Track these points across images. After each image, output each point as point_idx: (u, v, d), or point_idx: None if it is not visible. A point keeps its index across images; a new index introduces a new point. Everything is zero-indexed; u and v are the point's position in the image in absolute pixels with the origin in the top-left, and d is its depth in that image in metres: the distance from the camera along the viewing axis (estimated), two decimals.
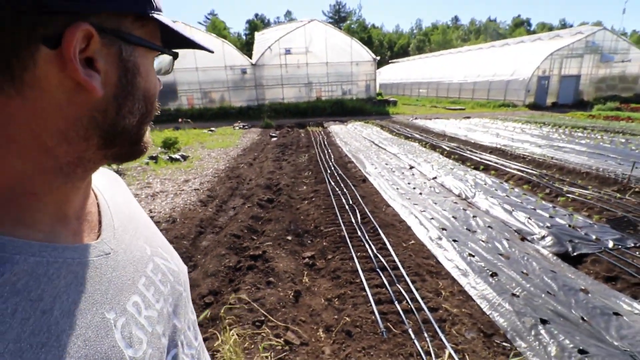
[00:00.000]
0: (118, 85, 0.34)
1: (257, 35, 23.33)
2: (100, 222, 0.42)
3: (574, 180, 5.43)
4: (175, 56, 0.44)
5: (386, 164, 6.94)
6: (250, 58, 19.18)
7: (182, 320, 0.47)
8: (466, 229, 3.74)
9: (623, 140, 8.82)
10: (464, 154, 7.52)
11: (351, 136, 11.02)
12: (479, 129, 11.62)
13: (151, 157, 7.60)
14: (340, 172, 6.39)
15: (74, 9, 0.30)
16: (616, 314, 2.31)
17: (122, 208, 0.48)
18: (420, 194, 5.01)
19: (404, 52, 49.31)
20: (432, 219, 4.02)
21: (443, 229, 3.75)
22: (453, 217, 4.06)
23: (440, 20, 76.20)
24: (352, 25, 47.83)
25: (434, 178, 5.81)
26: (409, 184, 5.51)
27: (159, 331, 0.40)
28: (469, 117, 15.65)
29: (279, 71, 19.47)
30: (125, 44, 0.34)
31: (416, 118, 15.75)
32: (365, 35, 47.80)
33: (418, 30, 59.91)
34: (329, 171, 6.44)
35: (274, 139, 11.42)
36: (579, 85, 20.48)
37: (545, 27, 51.34)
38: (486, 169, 6.37)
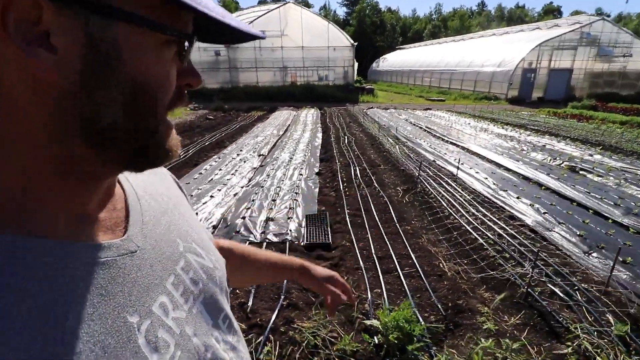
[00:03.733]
0: (83, 68, 0.28)
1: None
2: (127, 219, 0.39)
3: (386, 177, 5.30)
4: (189, 41, 0.34)
5: (243, 149, 7.02)
6: None
7: (215, 317, 0.45)
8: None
9: (531, 140, 8.28)
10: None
11: (277, 122, 11.05)
12: (411, 122, 11.28)
13: None
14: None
15: None
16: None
17: (156, 201, 0.45)
18: (225, 174, 5.23)
19: (418, 38, 47.32)
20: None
21: None
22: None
23: (465, 6, 71.68)
24: (366, 10, 46.32)
25: (260, 166, 5.86)
26: (231, 168, 5.62)
27: (188, 332, 0.38)
28: (429, 109, 15.11)
29: (253, 54, 19.47)
30: (94, 16, 0.27)
31: (371, 107, 15.40)
32: (378, 19, 46.28)
33: (438, 15, 57.18)
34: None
35: (207, 121, 11.68)
36: (571, 80, 19.04)
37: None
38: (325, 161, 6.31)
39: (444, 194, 4.43)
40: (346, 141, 7.88)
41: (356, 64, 22.27)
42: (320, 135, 8.86)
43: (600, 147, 7.52)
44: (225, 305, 0.49)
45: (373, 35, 45.88)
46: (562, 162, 6.26)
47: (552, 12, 50.17)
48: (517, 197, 4.42)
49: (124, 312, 0.32)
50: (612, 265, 2.45)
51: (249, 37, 0.37)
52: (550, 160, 6.47)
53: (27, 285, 0.26)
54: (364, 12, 45.35)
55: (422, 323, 2.10)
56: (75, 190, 0.33)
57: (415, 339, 1.91)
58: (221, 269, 0.51)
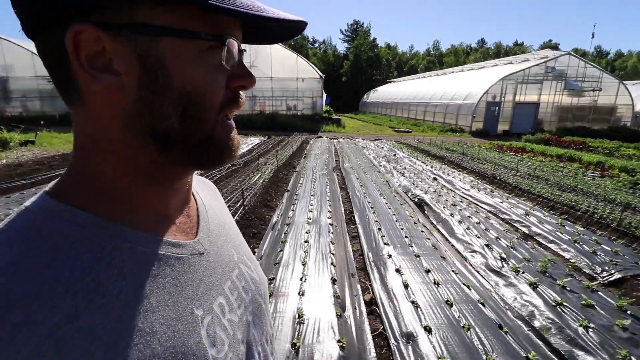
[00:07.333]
0: (141, 86, 0.31)
1: None
2: (198, 224, 0.43)
3: None
4: (227, 42, 0.34)
5: None
6: None
7: (260, 331, 0.46)
8: None
9: (429, 170, 7.89)
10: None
11: None
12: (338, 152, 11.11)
13: None
14: None
15: (68, 11, 0.29)
16: None
17: (217, 214, 0.50)
18: None
19: (414, 72, 48.13)
20: None
21: None
22: None
23: (465, 42, 72.85)
24: (362, 46, 47.76)
25: None
26: None
27: (238, 337, 0.40)
28: (378, 139, 14.94)
29: None
30: (140, 36, 0.30)
31: (319, 137, 15.35)
32: (374, 54, 47.53)
33: (435, 52, 58.22)
34: None
35: None
36: (539, 114, 18.59)
37: (578, 53, 47.06)
38: None
39: None
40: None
41: (324, 95, 22.57)
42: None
43: (486, 181, 7.07)
44: (268, 322, 0.50)
45: (369, 69, 46.99)
46: (416, 197, 5.86)
47: (550, 49, 50.14)
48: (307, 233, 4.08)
49: (191, 304, 0.35)
50: None
51: (292, 29, 0.38)
52: (411, 192, 6.09)
53: (124, 268, 0.31)
54: (361, 48, 46.77)
55: None
56: (156, 193, 0.37)
57: None
58: (265, 284, 0.52)
